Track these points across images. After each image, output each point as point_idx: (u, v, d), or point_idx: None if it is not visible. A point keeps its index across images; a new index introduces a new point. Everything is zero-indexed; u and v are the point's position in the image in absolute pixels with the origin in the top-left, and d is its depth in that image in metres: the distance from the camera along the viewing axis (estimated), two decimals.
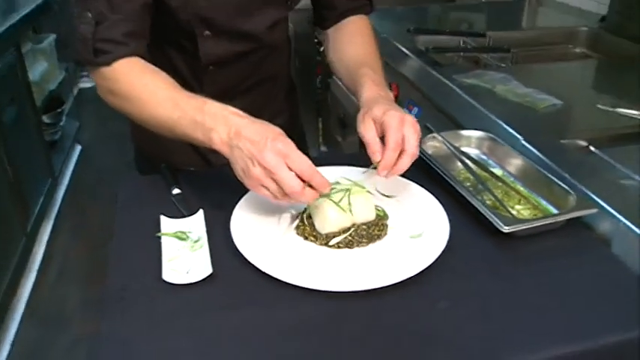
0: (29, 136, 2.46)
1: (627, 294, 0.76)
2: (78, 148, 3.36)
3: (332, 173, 0.89)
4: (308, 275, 0.77)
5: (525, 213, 0.95)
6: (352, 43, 1.14)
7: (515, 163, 1.06)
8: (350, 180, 0.90)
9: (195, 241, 0.87)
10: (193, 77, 1.11)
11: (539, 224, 0.87)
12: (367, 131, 0.87)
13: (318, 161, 0.84)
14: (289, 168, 0.76)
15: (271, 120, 0.83)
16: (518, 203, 0.97)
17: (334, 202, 0.85)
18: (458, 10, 2.43)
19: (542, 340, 0.69)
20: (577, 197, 0.91)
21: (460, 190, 0.95)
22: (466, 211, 0.93)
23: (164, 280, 0.78)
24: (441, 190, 0.98)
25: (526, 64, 1.74)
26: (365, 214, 0.88)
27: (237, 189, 0.86)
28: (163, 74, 0.92)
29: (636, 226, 0.84)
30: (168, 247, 0.86)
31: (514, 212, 0.94)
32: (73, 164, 3.19)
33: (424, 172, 1.03)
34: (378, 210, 0.91)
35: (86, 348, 1.93)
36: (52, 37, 3.13)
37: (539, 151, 1.07)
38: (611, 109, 1.22)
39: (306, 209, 0.90)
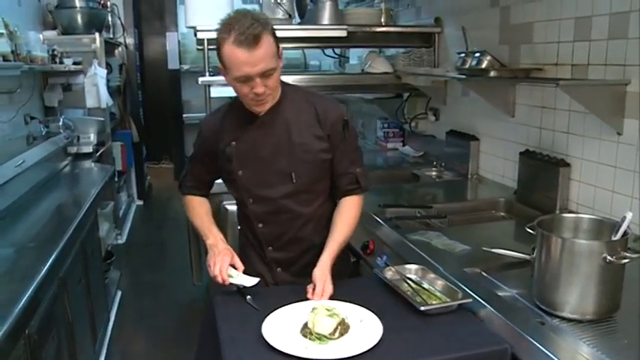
0: (98, 278, 3.23)
1: (481, 335, 1.52)
2: (119, 293, 4.10)
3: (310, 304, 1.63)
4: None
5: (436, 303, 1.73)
6: (339, 219, 1.93)
7: (436, 281, 1.85)
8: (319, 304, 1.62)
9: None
10: (253, 231, 1.98)
11: (439, 306, 1.66)
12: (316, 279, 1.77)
13: None
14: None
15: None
16: (434, 300, 1.74)
17: (328, 316, 1.52)
18: (422, 187, 3.33)
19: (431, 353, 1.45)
20: (463, 294, 1.69)
21: (402, 294, 1.74)
22: (406, 304, 1.70)
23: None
24: (393, 296, 1.77)
25: (457, 225, 2.53)
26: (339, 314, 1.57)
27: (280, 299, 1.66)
28: (205, 209, 2.02)
29: (494, 309, 1.61)
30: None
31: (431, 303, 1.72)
32: (117, 305, 3.92)
33: (385, 288, 1.83)
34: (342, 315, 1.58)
35: None
36: (112, 203, 4.03)
37: (450, 274, 1.87)
38: (500, 251, 2.00)
39: (307, 323, 1.54)
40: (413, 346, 1.49)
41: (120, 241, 5.33)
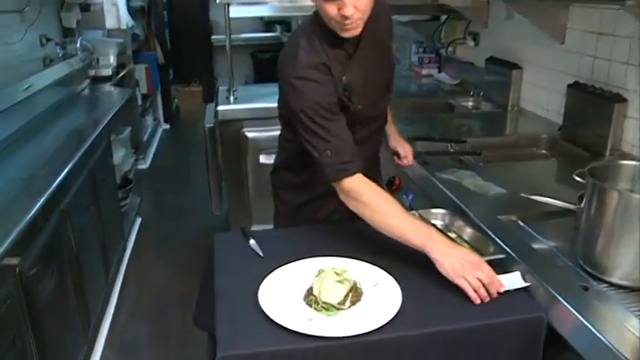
0: (112, 206, 3.12)
1: (513, 299, 1.32)
2: (139, 219, 4.02)
3: (315, 264, 1.42)
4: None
5: None
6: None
7: (465, 229, 1.64)
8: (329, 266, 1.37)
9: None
10: None
11: None
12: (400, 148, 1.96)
13: None
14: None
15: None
16: None
17: (337, 282, 1.29)
18: (456, 118, 3.09)
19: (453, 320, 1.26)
20: (494, 247, 1.48)
21: None
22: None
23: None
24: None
25: (494, 163, 2.29)
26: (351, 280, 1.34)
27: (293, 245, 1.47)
28: (384, 193, 1.48)
29: (530, 268, 1.40)
30: None
31: None
32: (136, 232, 3.85)
33: None
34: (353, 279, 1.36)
35: None
36: (128, 129, 3.88)
37: (481, 222, 1.65)
38: (541, 198, 1.78)
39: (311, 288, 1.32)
40: (433, 311, 1.29)
41: (143, 166, 5.23)
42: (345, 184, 1.48)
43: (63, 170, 2.19)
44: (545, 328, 1.27)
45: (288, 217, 1.87)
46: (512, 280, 1.37)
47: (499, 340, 1.26)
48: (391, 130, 2.02)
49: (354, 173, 1.48)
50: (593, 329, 1.15)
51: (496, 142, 2.54)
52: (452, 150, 2.36)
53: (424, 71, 3.90)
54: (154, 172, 5.27)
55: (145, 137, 5.62)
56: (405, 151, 2.01)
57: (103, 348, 2.61)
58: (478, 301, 1.28)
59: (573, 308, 1.22)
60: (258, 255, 1.54)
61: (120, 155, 3.59)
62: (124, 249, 3.41)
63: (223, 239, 1.65)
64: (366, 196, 1.46)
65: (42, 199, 1.93)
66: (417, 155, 2.23)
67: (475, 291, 1.28)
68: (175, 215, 4.21)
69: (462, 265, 1.31)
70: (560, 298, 1.26)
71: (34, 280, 1.81)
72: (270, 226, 1.98)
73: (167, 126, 6.78)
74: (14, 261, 1.69)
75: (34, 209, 1.85)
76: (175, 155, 5.89)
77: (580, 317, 1.19)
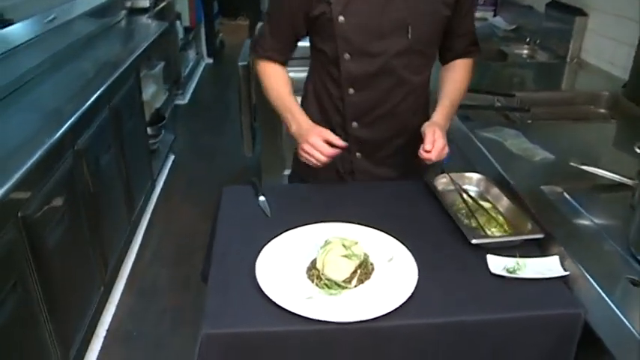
0: (138, 144, 3.03)
1: (548, 290, 1.15)
2: (172, 157, 3.95)
3: (323, 231, 1.27)
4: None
5: (497, 234, 1.34)
6: (452, 78, 1.63)
7: (502, 199, 1.45)
8: (336, 237, 1.20)
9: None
10: (340, 100, 1.57)
11: (497, 240, 1.27)
12: (427, 134, 1.43)
13: None
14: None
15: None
16: (495, 227, 1.36)
17: (344, 257, 1.13)
18: (508, 67, 2.81)
19: (476, 310, 1.09)
20: (533, 225, 1.29)
21: (450, 214, 1.36)
22: (456, 229, 1.33)
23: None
24: (441, 216, 1.39)
25: (543, 122, 2.06)
26: (359, 254, 1.17)
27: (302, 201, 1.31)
28: (284, 81, 1.58)
29: (571, 253, 1.20)
30: None
31: (489, 232, 1.34)
32: (167, 170, 3.77)
33: (433, 202, 1.45)
34: (364, 254, 1.20)
35: (171, 315, 2.43)
36: (161, 64, 3.74)
37: (521, 191, 1.46)
38: (594, 170, 1.55)
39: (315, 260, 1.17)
40: (451, 297, 1.12)
41: (181, 102, 5.13)
42: (256, 62, 1.62)
43: (78, 110, 2.08)
44: (582, 327, 1.09)
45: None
46: (549, 266, 1.19)
47: (524, 337, 1.09)
48: (437, 109, 1.57)
49: (264, 59, 1.59)
50: (637, 334, 0.98)
51: (548, 98, 2.29)
52: (498, 104, 2.14)
53: (478, 14, 3.58)
54: (193, 108, 5.16)
55: (186, 72, 5.49)
56: (431, 142, 1.41)
57: (122, 291, 2.58)
58: (312, 162, 1.42)
59: (616, 306, 1.04)
60: (266, 214, 1.40)
61: (150, 91, 3.47)
62: (153, 189, 3.35)
63: (231, 193, 1.52)
64: (264, 80, 1.60)
65: (51, 140, 1.83)
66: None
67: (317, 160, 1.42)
68: (209, 155, 4.10)
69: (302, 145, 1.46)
70: (601, 292, 1.07)
71: (40, 224, 1.73)
72: None
73: (210, 60, 6.63)
74: (16, 203, 1.60)
75: (41, 150, 1.75)
76: (216, 92, 5.76)
77: (622, 318, 1.01)
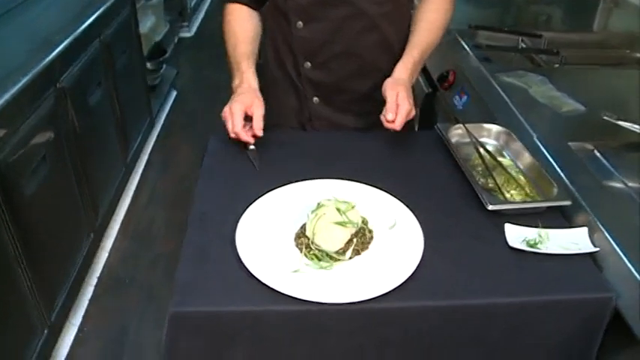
0: (135, 80, 2.84)
1: (575, 269, 0.99)
2: (174, 93, 3.76)
3: (317, 190, 1.12)
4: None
5: (517, 198, 1.17)
6: (426, 18, 1.38)
7: (524, 156, 1.28)
8: (330, 200, 1.03)
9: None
10: (290, 36, 1.37)
11: (517, 207, 1.10)
12: (388, 99, 1.22)
13: None
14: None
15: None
16: (514, 189, 1.19)
17: (338, 224, 0.97)
18: (535, 3, 2.55)
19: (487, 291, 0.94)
20: (559, 190, 1.12)
21: (465, 173, 1.19)
22: (470, 191, 1.16)
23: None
24: (455, 174, 1.23)
25: (573, 67, 1.84)
26: (355, 221, 1.01)
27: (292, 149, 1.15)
28: (245, 28, 1.39)
29: (602, 224, 1.03)
30: None
31: (508, 195, 1.17)
32: (169, 107, 3.60)
33: (446, 157, 1.28)
34: (361, 220, 1.03)
35: (166, 261, 2.33)
36: None
37: (545, 148, 1.28)
38: (629, 125, 1.37)
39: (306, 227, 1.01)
40: (463, 274, 0.96)
41: (187, 34, 4.89)
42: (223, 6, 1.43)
43: (61, 43, 1.90)
44: (612, 313, 0.94)
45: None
46: (576, 239, 1.03)
47: (542, 323, 0.95)
48: (402, 61, 1.33)
49: (232, 1, 1.41)
50: None
51: (579, 40, 2.07)
52: (522, 46, 1.93)
53: None
54: (199, 41, 4.92)
55: (192, 3, 5.22)
56: (393, 109, 1.21)
57: (115, 237, 2.46)
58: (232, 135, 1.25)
59: None
60: (254, 165, 1.25)
61: (149, 24, 3.24)
62: (151, 127, 3.19)
63: (218, 142, 1.35)
64: (224, 27, 1.42)
65: (29, 76, 1.67)
66: (476, 48, 1.82)
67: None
68: (214, 90, 3.87)
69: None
70: (635, 274, 0.92)
71: (16, 169, 1.59)
72: None
73: None
74: None
75: (18, 86, 1.59)
76: None
77: None
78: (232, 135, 1.26)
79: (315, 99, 1.45)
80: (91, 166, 2.18)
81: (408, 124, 1.37)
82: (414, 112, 1.25)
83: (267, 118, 1.28)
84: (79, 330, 2.04)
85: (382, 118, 1.21)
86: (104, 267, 2.30)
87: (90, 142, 2.16)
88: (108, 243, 2.41)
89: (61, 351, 1.95)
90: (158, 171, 2.97)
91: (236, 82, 1.34)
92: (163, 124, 3.40)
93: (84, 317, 2.09)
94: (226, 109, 1.26)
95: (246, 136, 1.26)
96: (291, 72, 1.43)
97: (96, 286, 2.21)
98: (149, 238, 2.49)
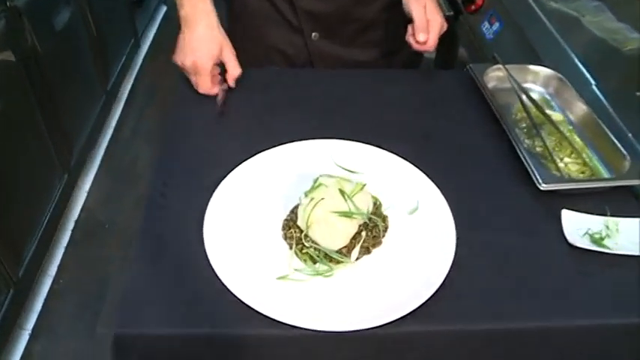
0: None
1: None
2: (163, 8, 3.39)
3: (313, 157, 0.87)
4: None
5: (573, 168, 0.91)
6: None
7: (580, 109, 1.00)
8: (331, 176, 0.77)
9: None
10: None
11: (579, 186, 0.84)
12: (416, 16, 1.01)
13: None
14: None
15: None
16: (569, 156, 0.94)
17: (342, 213, 0.72)
18: None
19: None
20: (632, 163, 0.86)
21: (509, 135, 0.92)
22: (514, 156, 0.90)
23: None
24: (494, 131, 0.96)
25: None
26: (365, 209, 0.75)
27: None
28: None
29: None
30: None
31: (561, 165, 0.91)
32: (157, 24, 3.25)
33: (481, 106, 1.01)
34: (373, 197, 0.79)
35: None
36: None
37: (608, 101, 1.01)
38: None
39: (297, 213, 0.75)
40: (504, 286, 0.71)
41: None
42: None
43: None
44: None
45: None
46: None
47: (598, 347, 0.71)
48: None
49: None
50: None
51: None
52: None
53: None
54: None
55: None
56: (424, 28, 1.01)
57: (95, 173, 2.22)
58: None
59: None
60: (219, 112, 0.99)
61: None
62: (136, 49, 2.85)
63: (185, 98, 1.06)
64: None
65: None
66: None
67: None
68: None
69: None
70: None
71: None
72: None
73: None
74: None
75: None
76: None
77: None
78: (201, 91, 1.02)
79: (315, 34, 1.16)
80: (61, 97, 1.90)
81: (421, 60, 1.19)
82: (445, 26, 1.05)
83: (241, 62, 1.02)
84: (54, 282, 1.85)
85: (410, 39, 1.03)
86: (82, 210, 2.07)
87: (58, 69, 1.87)
88: (86, 183, 2.17)
89: (34, 305, 1.77)
90: (144, 99, 2.67)
91: (186, 10, 1.01)
92: (151, 45, 3.05)
93: (59, 267, 1.89)
94: (187, 62, 1.00)
95: (220, 93, 1.01)
96: (278, 3, 1.14)
97: (72, 231, 2.00)
98: (133, 177, 2.24)
